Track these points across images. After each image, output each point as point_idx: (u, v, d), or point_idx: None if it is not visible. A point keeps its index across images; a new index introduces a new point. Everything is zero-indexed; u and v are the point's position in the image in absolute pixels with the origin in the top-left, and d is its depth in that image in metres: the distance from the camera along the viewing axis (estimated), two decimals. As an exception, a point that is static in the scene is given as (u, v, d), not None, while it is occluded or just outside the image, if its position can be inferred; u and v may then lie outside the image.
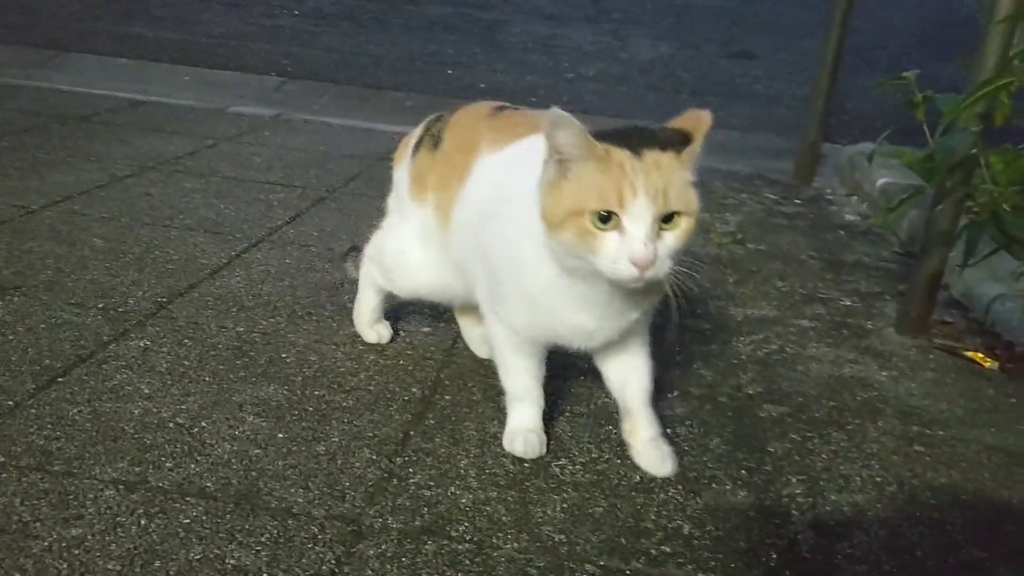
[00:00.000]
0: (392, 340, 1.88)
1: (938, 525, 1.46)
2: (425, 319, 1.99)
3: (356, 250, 1.95)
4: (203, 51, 4.89)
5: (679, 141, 1.25)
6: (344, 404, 1.61)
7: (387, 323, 1.89)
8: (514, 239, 1.38)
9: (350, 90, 4.55)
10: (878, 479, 1.57)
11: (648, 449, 1.51)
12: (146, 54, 4.71)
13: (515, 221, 1.37)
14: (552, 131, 1.23)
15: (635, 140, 1.24)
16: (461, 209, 1.55)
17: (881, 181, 3.40)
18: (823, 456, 1.63)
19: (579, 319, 1.39)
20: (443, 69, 5.10)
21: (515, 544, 1.28)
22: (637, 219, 1.20)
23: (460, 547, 1.26)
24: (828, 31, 3.55)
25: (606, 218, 1.21)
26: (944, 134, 1.78)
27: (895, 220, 3.08)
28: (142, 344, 1.74)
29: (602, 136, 1.25)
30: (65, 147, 3.05)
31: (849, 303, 2.42)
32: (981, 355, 2.13)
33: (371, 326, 1.87)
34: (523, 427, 1.52)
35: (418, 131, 1.74)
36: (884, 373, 2.01)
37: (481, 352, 1.85)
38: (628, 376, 1.53)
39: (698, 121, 1.28)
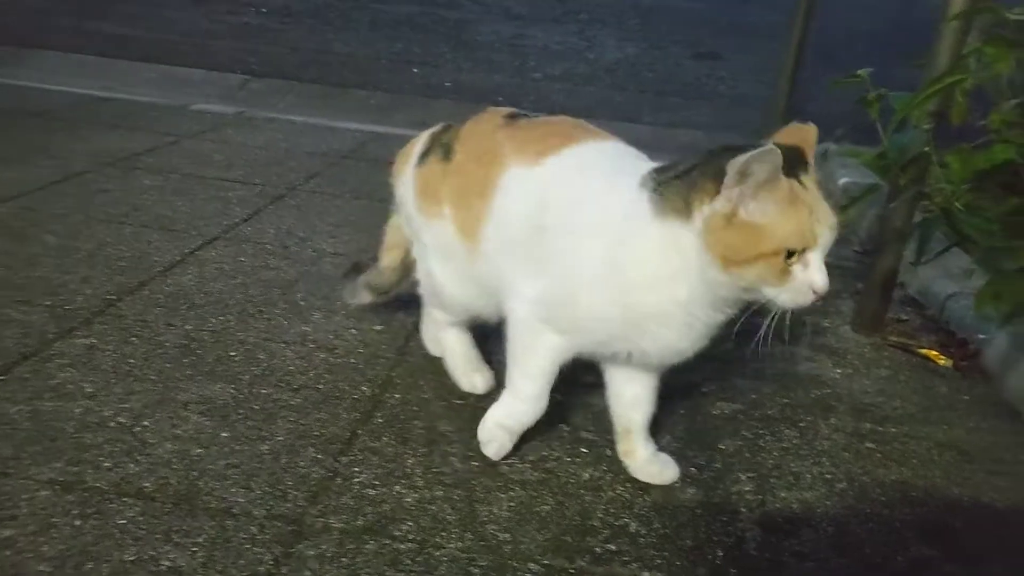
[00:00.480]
0: (363, 342, 1.86)
1: (887, 522, 1.46)
2: (378, 317, 1.97)
3: (358, 270, 1.89)
4: (167, 48, 4.83)
5: (802, 158, 1.25)
6: (291, 403, 1.59)
7: (488, 369, 1.74)
8: (613, 260, 1.31)
9: (315, 88, 4.51)
10: (828, 476, 1.57)
11: (648, 465, 1.50)
12: (110, 51, 4.64)
13: (613, 241, 1.31)
14: (751, 164, 1.16)
15: (789, 165, 1.20)
16: (495, 225, 1.46)
17: (842, 180, 3.41)
18: (774, 453, 1.63)
19: (676, 339, 1.33)
20: (409, 68, 5.08)
21: (459, 543, 1.27)
22: (819, 251, 1.21)
23: (402, 547, 1.25)
24: (789, 32, 3.57)
25: (792, 253, 1.20)
26: (896, 132, 1.78)
27: (855, 219, 3.09)
28: (87, 342, 1.71)
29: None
30: (22, 143, 2.99)
31: (807, 301, 2.42)
32: (935, 353, 2.14)
33: (466, 374, 1.72)
34: (509, 428, 1.49)
35: (422, 141, 1.67)
36: (839, 370, 2.01)
37: (435, 351, 1.83)
38: (640, 398, 1.50)
39: (807, 135, 1.28)
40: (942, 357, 2.12)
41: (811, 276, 1.20)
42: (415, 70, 5.05)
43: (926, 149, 1.82)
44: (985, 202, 1.86)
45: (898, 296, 2.49)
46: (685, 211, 1.24)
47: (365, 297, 1.89)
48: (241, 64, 4.72)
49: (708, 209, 1.22)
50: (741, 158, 1.16)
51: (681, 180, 1.27)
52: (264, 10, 5.94)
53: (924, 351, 2.15)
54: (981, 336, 2.14)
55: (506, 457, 1.50)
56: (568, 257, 1.36)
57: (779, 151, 1.16)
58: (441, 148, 1.60)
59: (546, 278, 1.39)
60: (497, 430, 1.49)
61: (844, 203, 1.99)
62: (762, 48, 5.52)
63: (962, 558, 1.39)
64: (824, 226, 1.20)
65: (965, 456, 1.69)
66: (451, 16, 6.37)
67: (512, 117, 1.56)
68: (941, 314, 2.36)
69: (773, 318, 1.25)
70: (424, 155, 1.64)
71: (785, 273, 1.20)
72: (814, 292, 1.21)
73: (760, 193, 1.18)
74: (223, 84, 4.39)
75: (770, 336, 1.25)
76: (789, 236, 1.19)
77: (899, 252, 2.15)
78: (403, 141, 1.74)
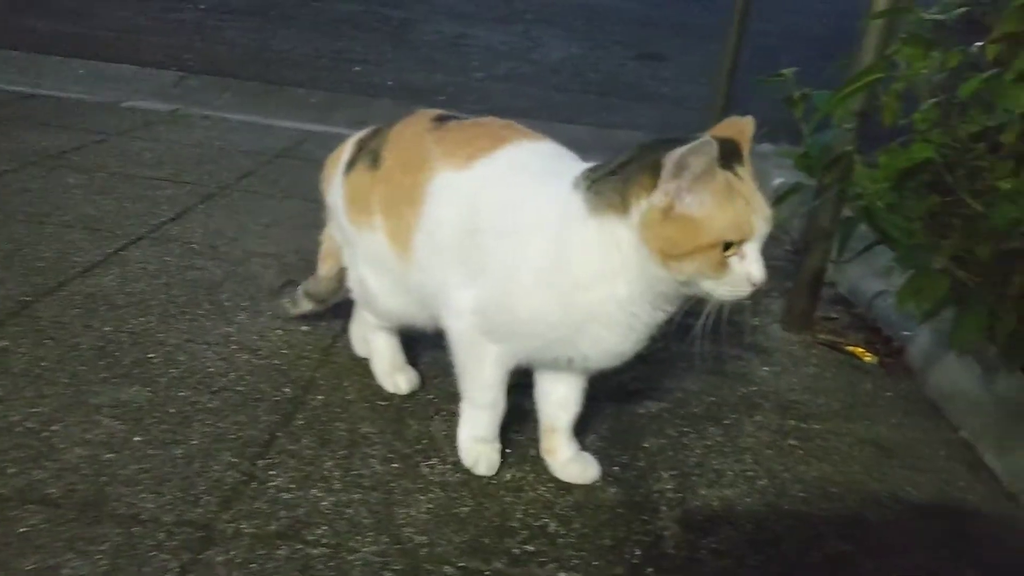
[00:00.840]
0: (284, 342, 1.83)
1: (805, 518, 1.47)
2: (305, 318, 1.94)
3: (293, 284, 1.87)
4: (100, 44, 4.73)
5: (737, 151, 1.24)
6: (209, 405, 1.55)
7: (412, 370, 1.73)
8: (550, 260, 1.29)
9: (253, 86, 4.44)
10: (750, 473, 1.58)
11: (569, 464, 1.49)
12: (39, 47, 4.52)
13: (549, 241, 1.29)
14: (688, 157, 1.15)
15: (724, 157, 1.19)
16: (427, 234, 1.44)
17: (777, 180, 3.45)
18: (697, 451, 1.63)
19: (618, 341, 1.33)
20: (350, 66, 5.03)
21: (373, 547, 1.25)
22: (756, 241, 1.20)
23: (315, 551, 1.22)
24: (726, 33, 3.60)
25: (729, 244, 1.19)
26: (818, 131, 1.80)
27: (788, 218, 3.13)
28: (-2, 345, 1.66)
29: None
30: (-61, 141, 2.91)
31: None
32: (862, 350, 2.17)
33: (390, 374, 1.71)
34: (483, 438, 1.48)
35: (348, 147, 1.63)
36: (766, 368, 2.03)
37: (362, 352, 1.80)
38: (568, 398, 1.49)
39: (743, 127, 1.28)
40: (868, 354, 2.16)
41: (748, 267, 1.20)
42: (356, 68, 5.01)
43: (848, 148, 1.84)
44: (907, 200, 1.89)
45: (828, 294, 2.52)
46: (621, 207, 1.23)
47: (306, 306, 1.85)
48: (177, 61, 4.63)
49: (645, 203, 1.21)
50: (677, 151, 1.15)
51: (616, 176, 1.26)
52: (202, 6, 5.85)
53: (851, 348, 2.18)
54: (906, 333, 2.18)
55: (427, 458, 1.49)
56: (503, 261, 1.34)
57: (715, 143, 1.16)
58: (369, 155, 1.56)
59: (481, 285, 1.37)
60: (476, 445, 1.47)
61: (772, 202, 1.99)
62: (705, 49, 5.57)
63: (877, 552, 1.40)
64: (760, 217, 1.20)
65: (885, 452, 1.72)
66: (395, 15, 6.33)
67: (440, 120, 1.53)
68: (869, 312, 2.40)
69: (709, 314, 1.25)
70: (352, 162, 1.60)
71: (723, 265, 1.20)
72: (752, 283, 1.21)
73: (696, 186, 1.17)
74: (157, 81, 4.30)
75: (706, 332, 1.25)
76: (726, 228, 1.19)
77: (826, 251, 2.17)
78: (342, 140, 1.70)
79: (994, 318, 1.72)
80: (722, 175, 1.19)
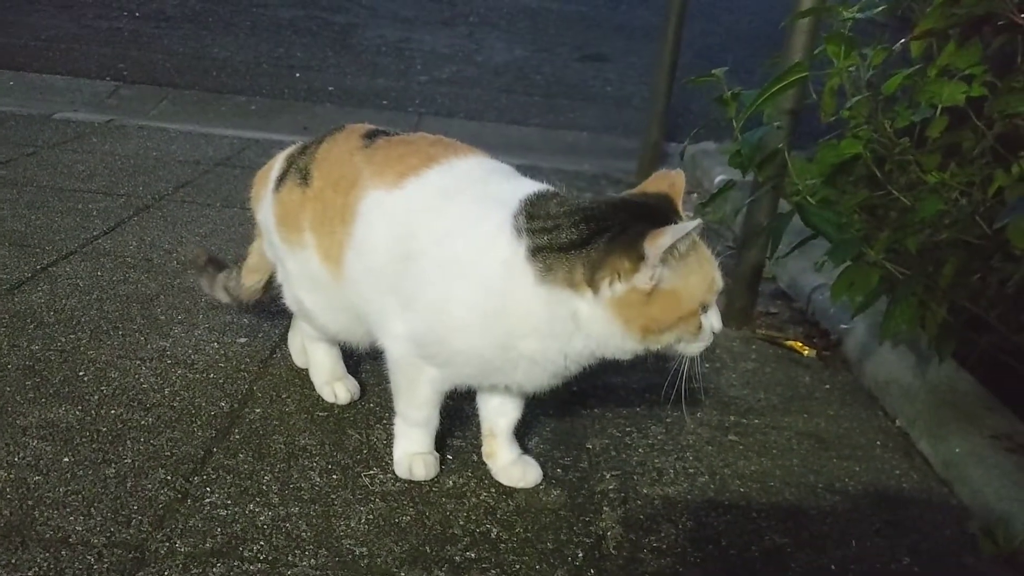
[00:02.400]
0: (220, 355, 1.79)
1: (744, 513, 1.48)
2: (243, 329, 1.91)
3: (215, 265, 1.84)
4: (30, 55, 4.61)
5: (674, 207, 1.28)
6: (142, 423, 1.52)
7: (351, 379, 1.71)
8: (490, 309, 1.27)
9: (191, 95, 4.37)
10: (691, 470, 1.59)
11: (510, 468, 1.49)
12: (-34, 58, 4.40)
13: (490, 290, 1.27)
14: (679, 244, 1.17)
15: (664, 215, 1.23)
16: (358, 254, 1.42)
17: (719, 178, 3.49)
18: (639, 450, 1.64)
19: (551, 378, 1.34)
20: (291, 73, 4.97)
21: (312, 560, 1.23)
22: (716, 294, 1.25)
23: (252, 568, 1.20)
24: (664, 33, 3.63)
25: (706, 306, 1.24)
26: (749, 129, 1.82)
27: (730, 215, 3.17)
28: (-80, 368, 1.61)
29: (643, 212, 1.24)
30: None
31: (680, 298, 2.46)
32: (800, 344, 2.20)
33: (329, 384, 1.69)
34: (420, 451, 1.47)
35: (277, 165, 1.60)
36: (707, 364, 2.03)
37: (301, 362, 1.78)
38: (507, 403, 1.49)
39: (674, 181, 1.31)
40: (806, 348, 2.18)
41: (711, 320, 1.26)
42: (297, 75, 4.95)
43: (779, 146, 1.87)
44: (839, 196, 1.91)
45: (769, 290, 2.56)
46: (583, 285, 1.22)
47: (222, 296, 1.83)
48: (111, 70, 4.54)
49: (622, 286, 1.20)
50: (667, 239, 1.15)
51: (570, 253, 1.22)
52: (138, 14, 5.73)
53: (790, 343, 2.21)
54: (843, 326, 2.21)
55: (368, 468, 1.47)
56: (439, 295, 1.32)
57: (702, 224, 1.18)
58: (298, 172, 1.53)
59: (416, 313, 1.35)
60: (408, 459, 1.46)
61: (703, 200, 2.02)
62: (648, 50, 5.62)
63: (813, 544, 1.42)
64: (717, 270, 1.25)
65: (823, 443, 1.74)
66: (336, 20, 6.26)
67: (370, 136, 1.50)
68: (807, 306, 2.43)
69: (682, 369, 1.30)
70: (281, 179, 1.57)
71: (699, 326, 1.24)
72: (714, 332, 1.27)
73: (678, 263, 1.20)
74: (90, 91, 4.21)
75: (684, 389, 1.33)
76: (704, 292, 1.23)
77: (763, 247, 2.20)
78: (283, 147, 1.66)
79: (925, 308, 1.75)
80: (693, 244, 1.21)
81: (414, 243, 1.34)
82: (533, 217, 1.27)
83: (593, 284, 1.21)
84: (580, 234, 1.23)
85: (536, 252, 1.24)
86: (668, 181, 1.31)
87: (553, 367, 1.31)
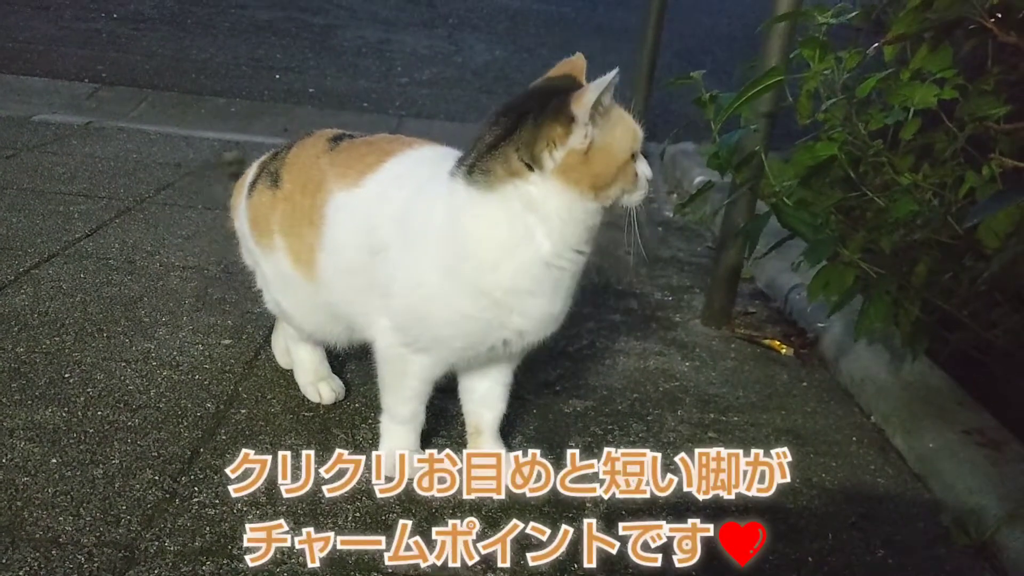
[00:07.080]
0: (204, 357, 1.81)
1: (724, 507, 1.51)
2: (227, 331, 1.92)
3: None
4: (7, 56, 4.59)
5: (578, 84, 1.34)
6: (129, 424, 1.53)
7: (336, 379, 1.74)
8: (452, 254, 1.32)
9: (170, 97, 4.37)
10: (671, 467, 1.62)
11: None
12: (-58, 61, 4.38)
13: (445, 238, 1.32)
14: (603, 96, 1.23)
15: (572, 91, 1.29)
16: (329, 255, 1.46)
17: (698, 179, 3.52)
18: (621, 448, 1.66)
19: (547, 304, 1.37)
20: (271, 74, 4.97)
21: (300, 558, 1.25)
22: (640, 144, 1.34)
23: (241, 566, 1.22)
24: (643, 34, 3.67)
25: (635, 154, 1.33)
26: (725, 131, 1.86)
27: (709, 216, 3.21)
28: (-95, 371, 1.61)
29: (555, 91, 1.29)
30: None
31: (660, 297, 2.50)
32: (778, 343, 2.24)
33: (313, 384, 1.71)
34: (402, 446, 1.48)
35: (251, 172, 1.65)
36: (687, 364, 2.08)
37: (285, 363, 1.80)
38: (492, 395, 1.52)
39: (576, 63, 1.39)
40: (784, 347, 2.22)
41: (642, 168, 1.34)
42: (277, 76, 4.95)
43: (757, 148, 1.90)
44: (815, 197, 1.95)
45: (748, 289, 2.59)
46: (521, 168, 1.28)
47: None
48: (90, 72, 4.52)
49: (561, 152, 1.27)
50: (591, 95, 1.23)
51: (499, 148, 1.30)
52: (116, 16, 5.71)
53: (768, 342, 2.25)
54: (820, 325, 2.25)
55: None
56: (408, 271, 1.37)
57: (617, 73, 1.25)
58: (269, 176, 1.58)
59: (394, 299, 1.39)
60: (394, 458, 1.45)
61: (682, 200, 2.05)
62: (627, 50, 5.66)
63: (790, 537, 1.45)
64: (635, 122, 1.34)
65: (800, 440, 1.78)
66: (316, 21, 6.27)
67: (336, 140, 1.55)
68: (785, 305, 2.47)
69: (631, 223, 1.36)
70: (253, 184, 1.61)
71: (635, 174, 1.32)
72: (647, 179, 1.35)
73: (603, 119, 1.27)
74: (69, 93, 4.20)
75: (639, 243, 1.35)
76: (631, 141, 1.31)
77: (741, 248, 2.23)
78: (263, 149, 1.69)
79: (898, 307, 1.79)
80: (609, 99, 1.28)
81: (379, 235, 1.40)
82: (462, 158, 1.36)
83: (535, 160, 1.28)
84: (503, 127, 1.31)
85: (471, 170, 1.32)
86: (569, 65, 1.39)
87: (539, 284, 1.34)
